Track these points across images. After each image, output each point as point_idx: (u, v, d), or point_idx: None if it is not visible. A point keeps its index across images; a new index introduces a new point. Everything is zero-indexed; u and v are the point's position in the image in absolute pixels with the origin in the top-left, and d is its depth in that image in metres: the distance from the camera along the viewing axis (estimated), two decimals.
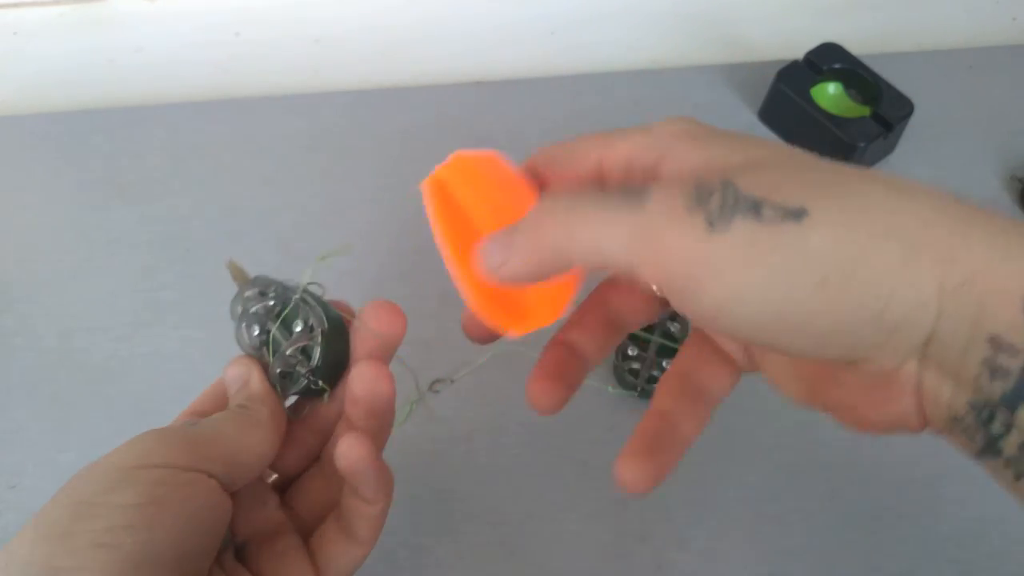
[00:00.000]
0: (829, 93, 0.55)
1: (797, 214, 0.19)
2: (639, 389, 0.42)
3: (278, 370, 0.30)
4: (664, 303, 0.29)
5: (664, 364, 0.43)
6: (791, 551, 0.40)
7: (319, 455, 0.33)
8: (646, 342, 0.43)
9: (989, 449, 0.20)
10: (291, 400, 0.31)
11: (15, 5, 0.60)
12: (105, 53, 0.60)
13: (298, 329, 0.30)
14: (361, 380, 0.29)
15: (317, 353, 0.30)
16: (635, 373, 0.43)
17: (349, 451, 0.28)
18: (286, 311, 0.30)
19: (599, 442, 0.43)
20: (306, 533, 0.31)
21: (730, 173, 0.20)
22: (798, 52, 0.54)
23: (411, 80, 0.58)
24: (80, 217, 0.51)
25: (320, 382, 0.30)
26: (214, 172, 0.53)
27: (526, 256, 0.22)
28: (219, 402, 0.31)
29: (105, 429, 0.43)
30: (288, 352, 0.30)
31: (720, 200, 0.20)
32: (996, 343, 0.19)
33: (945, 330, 0.19)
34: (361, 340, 0.31)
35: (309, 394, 0.31)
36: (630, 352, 0.43)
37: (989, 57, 0.59)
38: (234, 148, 0.54)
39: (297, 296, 0.30)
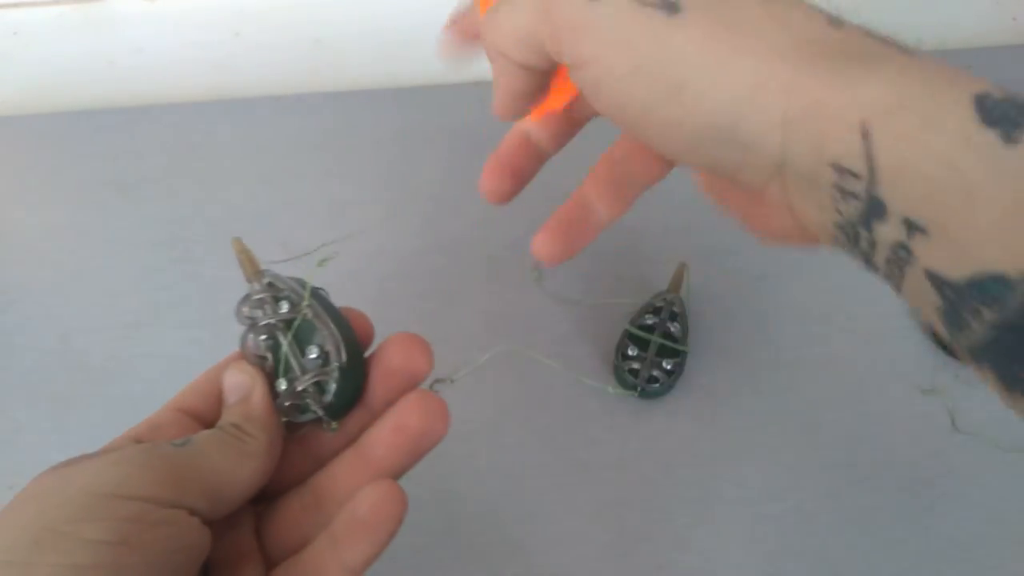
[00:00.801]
0: None
1: (671, 7, 0.21)
2: (639, 389, 0.42)
3: (287, 403, 0.27)
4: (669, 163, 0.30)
5: (664, 364, 0.43)
6: (791, 551, 0.40)
7: (306, 480, 0.29)
8: (646, 342, 0.43)
9: (868, 265, 0.21)
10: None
11: (15, 5, 0.60)
12: (105, 53, 0.60)
13: (313, 356, 0.27)
14: (369, 499, 0.26)
15: (333, 388, 0.27)
16: (635, 373, 0.43)
17: (384, 501, 0.25)
18: (297, 322, 0.28)
19: (599, 442, 0.43)
20: (270, 564, 0.28)
21: None
22: None
23: (411, 80, 0.58)
24: (80, 217, 0.51)
25: (332, 423, 0.28)
26: (214, 172, 0.53)
27: (485, 46, 0.26)
28: (210, 400, 0.28)
29: (105, 429, 0.43)
30: (299, 388, 0.27)
31: None
32: (839, 169, 0.19)
33: (793, 157, 0.20)
34: (382, 376, 0.28)
35: (316, 423, 0.28)
36: (630, 352, 0.43)
37: (989, 57, 0.59)
38: (234, 148, 0.54)
39: (306, 304, 0.28)
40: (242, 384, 0.28)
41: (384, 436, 0.27)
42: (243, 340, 0.28)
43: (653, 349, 0.43)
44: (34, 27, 0.61)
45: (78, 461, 0.24)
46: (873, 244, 0.20)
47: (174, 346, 0.46)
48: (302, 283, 0.29)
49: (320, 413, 0.27)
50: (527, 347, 0.43)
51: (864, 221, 0.20)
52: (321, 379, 0.27)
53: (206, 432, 0.26)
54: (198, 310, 0.48)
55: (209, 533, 0.25)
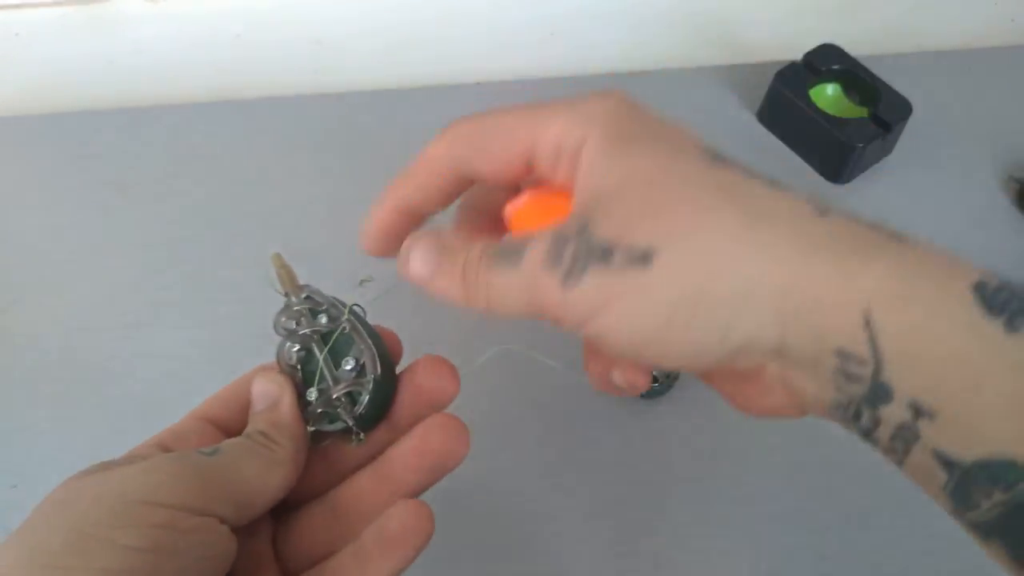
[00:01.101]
0: (827, 94, 0.55)
1: (644, 258, 0.21)
2: None
3: (319, 411, 0.28)
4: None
5: None
6: (791, 551, 0.40)
7: (324, 493, 0.29)
8: None
9: (867, 438, 0.21)
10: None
11: (17, 6, 0.60)
12: (106, 54, 0.60)
13: (348, 367, 0.28)
14: (399, 518, 0.27)
15: (365, 400, 0.28)
16: None
17: (414, 519, 0.26)
18: (336, 333, 0.29)
19: (599, 442, 0.43)
20: (286, 574, 0.28)
21: (592, 209, 0.22)
22: (797, 53, 0.55)
23: (411, 80, 0.58)
24: (81, 217, 0.51)
25: (361, 433, 0.28)
26: (214, 172, 0.53)
27: (454, 295, 0.25)
28: (234, 411, 0.29)
29: (106, 429, 0.43)
30: (335, 396, 0.28)
31: (573, 252, 0.22)
32: (843, 354, 0.20)
33: (792, 346, 0.21)
34: (410, 395, 0.29)
35: (341, 434, 0.29)
36: None
37: (988, 58, 0.59)
38: (235, 149, 0.54)
39: (345, 319, 0.29)
40: (270, 392, 0.28)
41: (407, 455, 0.28)
42: (279, 349, 0.29)
43: None
44: (35, 28, 0.61)
45: (108, 467, 0.25)
46: (876, 422, 0.20)
47: (174, 346, 0.46)
48: (339, 301, 0.29)
49: (350, 423, 0.28)
50: (527, 347, 0.43)
51: (868, 402, 0.20)
52: (354, 390, 0.28)
53: (234, 440, 0.27)
54: (198, 310, 0.48)
55: (236, 541, 0.25)
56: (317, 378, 0.28)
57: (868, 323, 0.19)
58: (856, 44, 0.55)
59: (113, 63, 0.60)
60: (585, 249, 0.22)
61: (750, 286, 0.20)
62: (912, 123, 0.53)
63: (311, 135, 0.55)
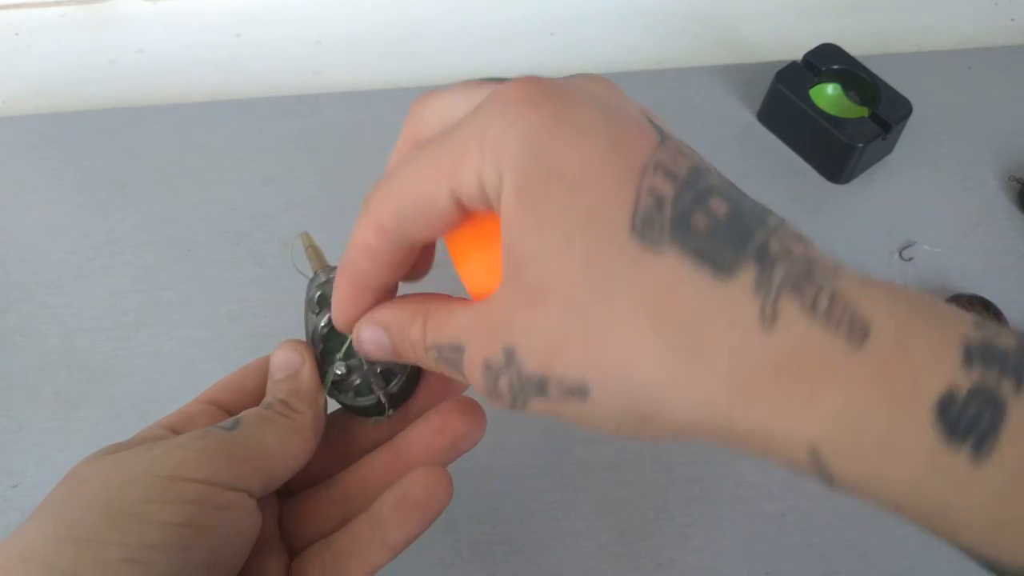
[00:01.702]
0: (828, 94, 0.55)
1: (580, 392, 0.20)
2: None
3: (356, 382, 0.28)
4: None
5: None
6: (791, 551, 0.40)
7: (331, 476, 0.30)
8: None
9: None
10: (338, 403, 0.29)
11: (17, 5, 0.60)
12: (107, 54, 0.60)
13: None
14: (423, 482, 0.27)
15: (402, 378, 0.28)
16: None
17: (437, 484, 0.27)
18: None
19: (599, 442, 0.43)
20: (290, 553, 0.28)
21: (515, 331, 0.20)
22: (797, 53, 0.55)
23: (411, 80, 0.58)
24: (81, 217, 0.51)
25: (389, 410, 0.29)
26: (214, 172, 0.53)
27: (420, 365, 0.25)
28: (239, 395, 0.29)
29: (106, 429, 0.43)
30: (379, 370, 0.28)
31: (509, 385, 0.21)
32: (792, 468, 0.19)
33: (741, 451, 0.20)
34: (431, 383, 0.29)
35: (363, 413, 0.29)
36: None
37: (987, 58, 0.59)
38: (235, 148, 0.54)
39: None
40: (291, 361, 0.28)
41: (427, 434, 0.28)
42: (308, 322, 0.29)
43: None
44: (36, 27, 0.61)
45: (122, 447, 0.25)
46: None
47: (174, 346, 0.46)
48: None
49: (382, 398, 0.28)
50: None
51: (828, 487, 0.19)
52: (392, 368, 0.28)
53: (252, 411, 0.27)
54: (198, 310, 0.48)
55: (260, 515, 0.25)
56: (344, 352, 0.28)
57: (816, 455, 0.18)
58: (856, 44, 0.55)
59: (113, 63, 0.60)
60: (519, 382, 0.20)
61: (693, 423, 0.19)
62: (912, 123, 0.53)
63: (311, 135, 0.55)
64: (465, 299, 0.24)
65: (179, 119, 0.56)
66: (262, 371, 0.29)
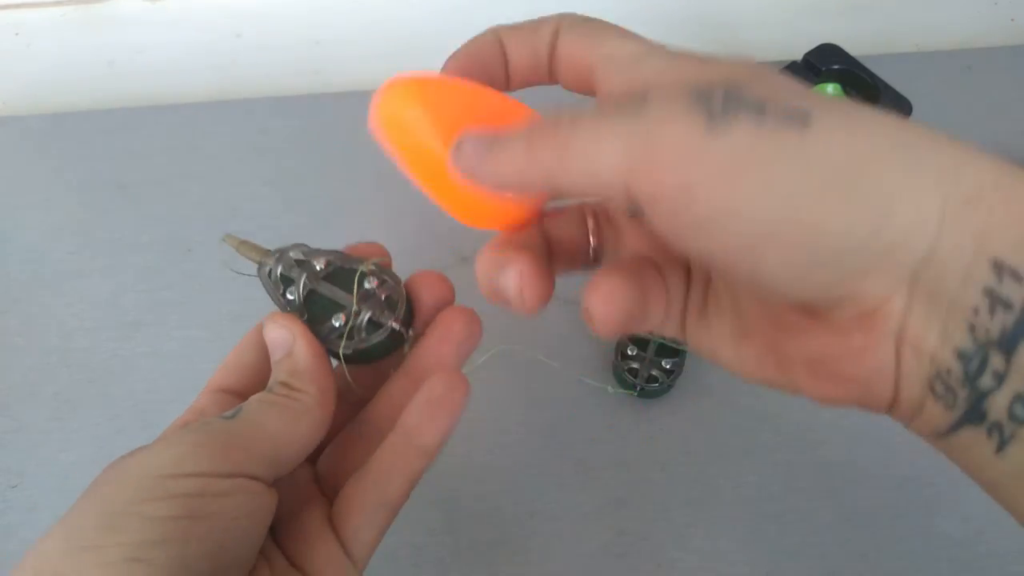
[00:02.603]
0: (828, 94, 0.55)
1: (803, 118, 0.18)
2: (638, 389, 0.43)
3: (365, 319, 0.29)
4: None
5: (664, 363, 0.43)
6: (791, 551, 0.40)
7: (355, 416, 0.31)
8: (645, 342, 0.43)
9: (971, 414, 0.18)
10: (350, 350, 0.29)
11: (17, 5, 0.60)
12: (106, 54, 0.60)
13: (368, 285, 0.29)
14: (442, 382, 0.28)
15: (401, 304, 0.29)
16: (634, 373, 0.43)
17: (455, 381, 0.27)
18: (331, 268, 0.30)
19: (599, 442, 0.43)
20: (333, 495, 0.29)
21: (734, 77, 0.19)
22: (797, 53, 0.55)
23: None
24: (81, 217, 0.51)
25: (410, 330, 0.29)
26: (214, 172, 0.53)
27: (508, 171, 0.21)
28: (245, 374, 0.29)
29: (106, 428, 0.43)
30: (383, 297, 0.29)
31: (723, 99, 0.18)
32: (999, 267, 0.17)
33: (945, 250, 0.18)
34: (420, 306, 0.31)
35: (380, 352, 0.29)
36: (629, 352, 0.43)
37: (987, 58, 0.59)
38: (234, 148, 0.54)
39: (363, 268, 0.30)
40: (282, 340, 0.28)
41: (434, 346, 0.29)
42: (276, 298, 0.29)
43: (652, 349, 0.43)
44: (35, 27, 0.61)
45: (134, 451, 0.25)
46: (1002, 378, 0.17)
47: (174, 346, 0.46)
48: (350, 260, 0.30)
49: (396, 326, 0.29)
50: (527, 347, 0.43)
51: (1009, 340, 0.17)
52: (391, 294, 0.29)
53: (255, 397, 0.27)
54: (198, 310, 0.48)
55: (275, 493, 0.26)
56: (330, 310, 0.29)
57: (997, 266, 0.17)
58: (856, 44, 0.55)
59: (113, 63, 0.60)
60: (735, 99, 0.18)
61: (918, 164, 0.18)
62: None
63: (312, 136, 0.55)
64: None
65: (179, 119, 0.56)
66: (257, 344, 0.29)
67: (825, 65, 0.54)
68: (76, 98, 0.58)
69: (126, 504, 0.23)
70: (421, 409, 0.28)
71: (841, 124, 0.18)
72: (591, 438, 0.43)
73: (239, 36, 0.61)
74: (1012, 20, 0.63)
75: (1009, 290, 0.17)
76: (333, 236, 0.50)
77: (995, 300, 0.17)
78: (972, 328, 0.18)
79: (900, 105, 0.52)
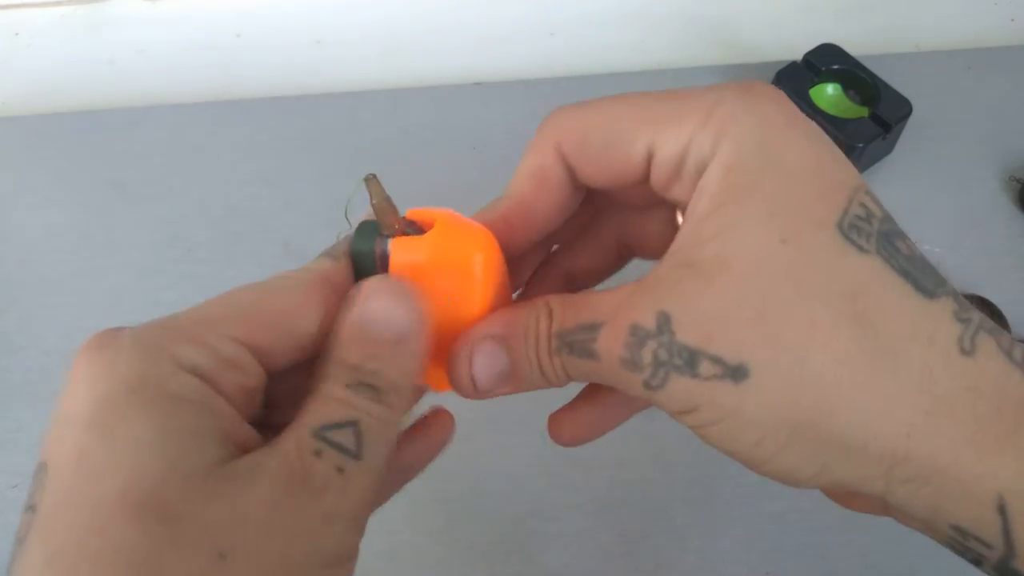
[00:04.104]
0: (828, 94, 0.55)
1: (736, 373, 0.18)
2: None
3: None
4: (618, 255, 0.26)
5: None
6: (791, 551, 0.40)
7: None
8: None
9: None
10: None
11: (17, 6, 0.60)
12: (106, 54, 0.60)
13: None
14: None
15: None
16: None
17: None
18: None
19: (599, 442, 0.43)
20: None
21: (675, 297, 0.18)
22: (797, 53, 0.55)
23: (411, 80, 0.58)
24: (81, 217, 0.51)
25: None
26: (214, 172, 0.53)
27: (512, 387, 0.22)
28: (279, 336, 0.20)
29: None
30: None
31: (654, 355, 0.18)
32: (962, 532, 0.18)
33: (900, 505, 0.18)
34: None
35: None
36: None
37: (988, 58, 0.59)
38: (234, 148, 0.54)
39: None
40: (405, 321, 0.20)
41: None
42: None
43: None
44: (35, 28, 0.61)
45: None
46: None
47: None
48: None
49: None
50: None
51: (995, 571, 0.18)
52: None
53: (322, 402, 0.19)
54: None
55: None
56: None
57: (1002, 510, 0.17)
58: (856, 44, 0.55)
59: (113, 63, 0.60)
60: (666, 353, 0.18)
61: (860, 439, 0.17)
62: (912, 123, 0.52)
63: (311, 135, 0.55)
64: (596, 291, 0.22)
65: (179, 119, 0.56)
66: (311, 305, 0.21)
67: (825, 65, 0.54)
68: (76, 98, 0.58)
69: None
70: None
71: (782, 383, 0.18)
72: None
73: (239, 36, 0.61)
74: (1012, 20, 0.63)
75: (978, 548, 0.18)
76: (333, 236, 0.50)
77: (964, 549, 0.18)
78: (951, 546, 0.19)
79: (900, 105, 0.52)
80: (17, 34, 0.61)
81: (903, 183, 0.53)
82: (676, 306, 0.18)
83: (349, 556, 0.19)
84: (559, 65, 0.59)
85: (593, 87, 0.60)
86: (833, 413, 0.17)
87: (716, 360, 0.18)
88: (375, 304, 0.20)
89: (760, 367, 0.17)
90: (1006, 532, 0.17)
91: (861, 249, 0.18)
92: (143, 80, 0.59)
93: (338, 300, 0.21)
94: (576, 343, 0.20)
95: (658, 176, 0.20)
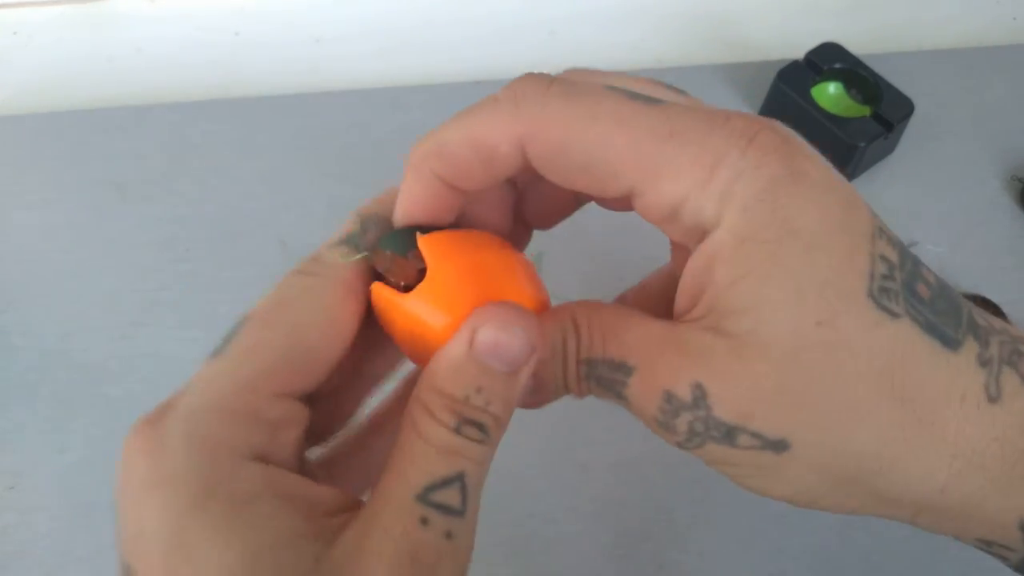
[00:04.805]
0: (830, 93, 0.55)
1: (777, 446, 0.18)
2: None
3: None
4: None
5: None
6: (791, 551, 0.40)
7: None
8: None
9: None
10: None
11: (15, 5, 0.60)
12: (105, 53, 0.60)
13: None
14: None
15: None
16: None
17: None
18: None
19: (599, 442, 0.43)
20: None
21: (709, 372, 0.18)
22: (799, 52, 0.54)
23: (411, 80, 0.58)
24: (80, 217, 0.51)
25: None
26: (214, 172, 0.53)
27: (535, 403, 0.22)
28: (309, 371, 0.20)
29: (105, 429, 0.43)
30: None
31: (690, 425, 0.18)
32: (986, 542, 0.19)
33: (928, 527, 0.19)
34: None
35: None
36: None
37: (989, 57, 0.59)
38: (234, 148, 0.54)
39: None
40: (522, 351, 0.19)
41: None
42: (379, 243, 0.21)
43: None
44: (34, 26, 0.61)
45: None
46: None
47: (174, 346, 0.46)
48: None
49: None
50: None
51: (1019, 568, 0.19)
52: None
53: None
54: (198, 310, 0.47)
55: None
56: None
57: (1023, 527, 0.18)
58: (858, 43, 0.55)
59: (112, 62, 0.60)
60: (703, 425, 0.18)
61: (896, 494, 0.18)
62: (914, 122, 0.52)
63: (311, 135, 0.55)
64: (624, 308, 0.21)
65: (178, 118, 0.55)
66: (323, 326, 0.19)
67: (827, 64, 0.54)
68: (75, 97, 0.58)
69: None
70: None
71: (822, 454, 0.18)
72: (591, 438, 0.43)
73: (238, 34, 0.61)
74: (1014, 19, 0.63)
75: (1001, 552, 0.19)
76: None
77: (989, 552, 0.20)
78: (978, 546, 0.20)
79: (902, 104, 0.52)
80: (15, 32, 0.60)
81: (905, 182, 0.53)
82: (713, 381, 0.18)
83: None
84: (559, 64, 0.59)
85: None
86: (873, 476, 0.18)
87: (755, 435, 0.18)
88: (490, 335, 0.19)
89: (801, 442, 0.18)
90: None
91: (893, 315, 0.18)
92: (142, 78, 0.59)
93: (361, 306, 0.20)
94: (604, 379, 0.20)
95: (640, 211, 0.20)
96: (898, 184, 0.53)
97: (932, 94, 0.55)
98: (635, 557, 0.40)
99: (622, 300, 0.25)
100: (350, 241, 0.21)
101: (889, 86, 0.52)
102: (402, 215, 0.21)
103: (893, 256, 0.18)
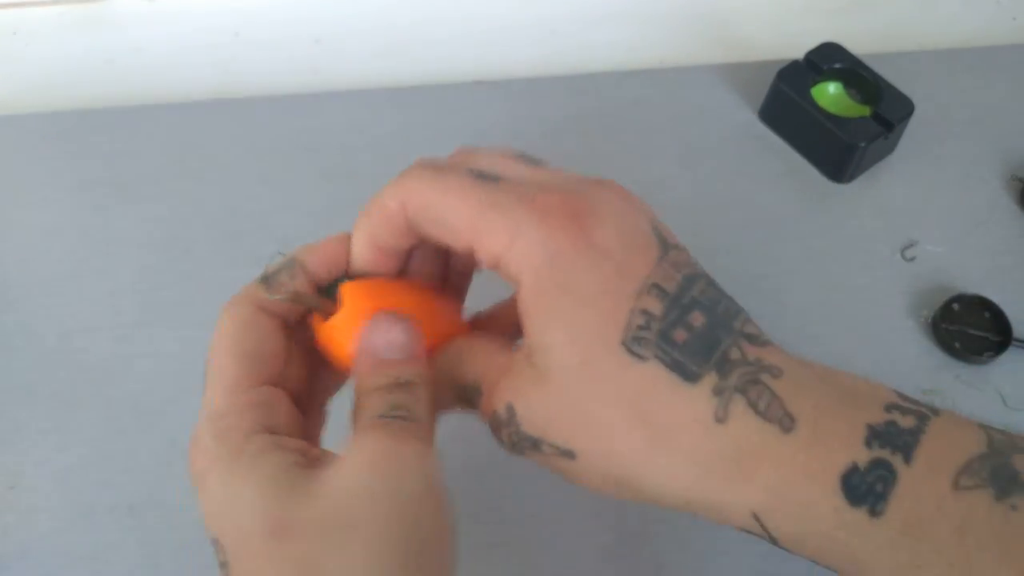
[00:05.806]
0: (829, 93, 0.55)
1: (568, 454, 0.24)
2: None
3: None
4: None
5: None
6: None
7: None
8: None
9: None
10: None
11: (15, 5, 0.60)
12: (105, 53, 0.60)
13: None
14: None
15: None
16: None
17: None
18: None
19: None
20: None
21: (519, 395, 0.24)
22: (798, 52, 0.54)
23: (411, 80, 0.58)
24: (80, 217, 0.51)
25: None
26: (214, 172, 0.53)
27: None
28: (262, 363, 0.27)
29: (105, 429, 0.43)
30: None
31: (509, 437, 0.25)
32: (744, 530, 0.24)
33: (699, 517, 0.24)
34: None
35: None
36: None
37: (990, 57, 0.59)
38: (234, 148, 0.54)
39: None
40: (399, 341, 0.26)
41: None
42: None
43: None
44: (33, 26, 0.61)
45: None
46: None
47: (174, 346, 0.46)
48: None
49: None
50: None
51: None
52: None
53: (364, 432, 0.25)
54: (198, 310, 0.47)
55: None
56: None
57: (757, 518, 0.23)
58: (858, 42, 0.55)
59: (112, 62, 0.60)
60: (517, 436, 0.25)
61: (659, 496, 0.24)
62: (914, 122, 0.52)
63: (311, 135, 0.55)
64: (487, 338, 0.27)
65: (177, 118, 0.55)
66: (257, 327, 0.29)
67: (827, 64, 0.54)
68: (74, 97, 0.58)
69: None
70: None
71: (600, 463, 0.24)
72: None
73: (237, 35, 0.61)
74: (1014, 19, 0.63)
75: (758, 534, 0.24)
76: (331, 235, 0.50)
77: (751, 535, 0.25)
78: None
79: (902, 104, 0.52)
80: (15, 33, 0.60)
81: (905, 182, 0.53)
82: (520, 403, 0.24)
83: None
84: (559, 64, 0.59)
85: (593, 86, 0.60)
86: (638, 481, 0.23)
87: (552, 445, 0.24)
88: (374, 333, 0.26)
89: (582, 452, 0.24)
90: (765, 530, 0.23)
91: (640, 358, 0.23)
92: (141, 79, 0.59)
93: (286, 328, 0.28)
94: (467, 400, 0.27)
95: (479, 262, 0.25)
96: (898, 184, 0.53)
97: (932, 94, 0.55)
98: (635, 557, 0.40)
99: (490, 316, 0.30)
100: (265, 280, 0.29)
101: (889, 86, 0.52)
102: (353, 265, 0.27)
103: (657, 310, 0.23)
